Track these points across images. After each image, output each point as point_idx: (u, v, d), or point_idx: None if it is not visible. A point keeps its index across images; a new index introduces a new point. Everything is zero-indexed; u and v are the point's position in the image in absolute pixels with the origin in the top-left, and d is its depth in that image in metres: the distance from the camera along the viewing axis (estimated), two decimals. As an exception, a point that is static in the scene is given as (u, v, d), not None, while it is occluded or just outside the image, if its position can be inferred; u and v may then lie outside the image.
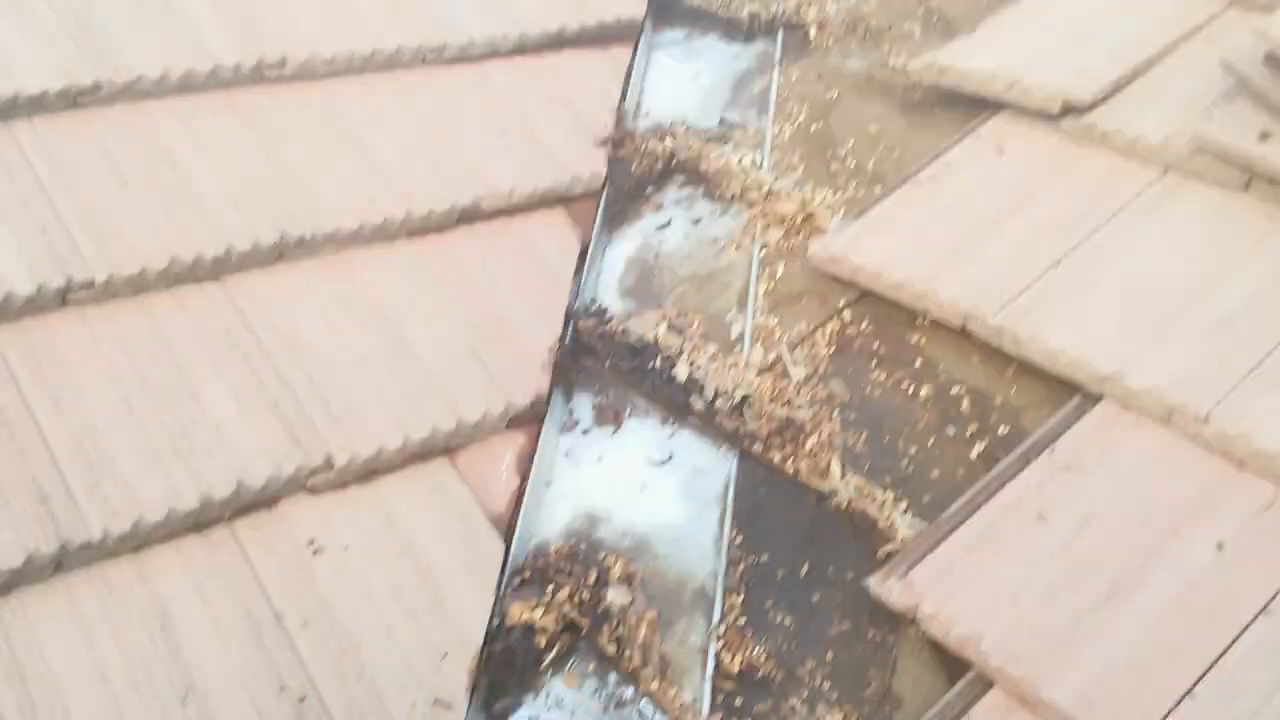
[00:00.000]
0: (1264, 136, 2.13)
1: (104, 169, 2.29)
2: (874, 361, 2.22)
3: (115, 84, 2.42)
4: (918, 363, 2.19)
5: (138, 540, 1.84)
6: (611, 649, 1.86)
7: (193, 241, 2.22)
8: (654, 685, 1.81)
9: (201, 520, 1.90)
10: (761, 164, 2.73)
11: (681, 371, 2.26)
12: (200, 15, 2.62)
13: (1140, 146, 2.31)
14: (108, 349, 2.06)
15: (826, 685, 1.78)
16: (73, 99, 2.38)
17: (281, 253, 2.30)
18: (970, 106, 2.61)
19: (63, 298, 2.10)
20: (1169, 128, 2.30)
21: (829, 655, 1.82)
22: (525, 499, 2.08)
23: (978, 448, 2.02)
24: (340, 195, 2.41)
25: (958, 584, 1.75)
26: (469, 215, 2.52)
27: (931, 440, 2.05)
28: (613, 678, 1.84)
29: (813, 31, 3.06)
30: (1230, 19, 2.55)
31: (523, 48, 2.93)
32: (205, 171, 2.36)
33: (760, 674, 1.80)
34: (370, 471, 2.05)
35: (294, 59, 2.61)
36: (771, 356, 2.27)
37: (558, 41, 2.99)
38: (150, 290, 2.18)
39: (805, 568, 1.92)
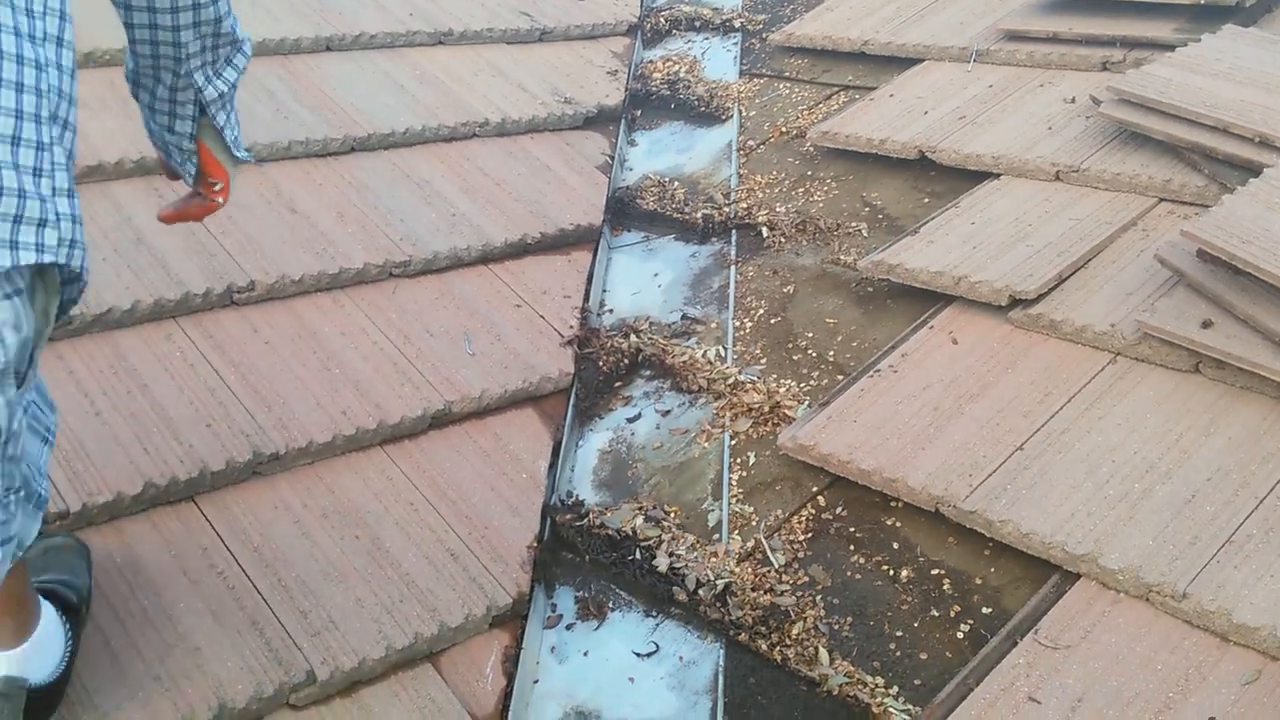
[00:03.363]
0: (1206, 324, 2.25)
1: (75, 398, 2.31)
2: (852, 545, 2.25)
3: (86, 316, 2.46)
4: (895, 545, 2.22)
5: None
6: None
7: (166, 465, 2.23)
8: None
9: (183, 744, 1.85)
10: (725, 357, 2.82)
11: (662, 562, 2.27)
12: (169, 247, 2.69)
13: (1088, 334, 2.43)
14: (83, 576, 2.03)
15: None
16: (44, 332, 2.42)
17: (255, 469, 2.30)
18: (920, 298, 2.74)
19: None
20: (1114, 316, 2.42)
21: None
22: (513, 700, 2.05)
23: (963, 629, 2.03)
24: (312, 410, 2.43)
25: (958, 770, 1.74)
26: (441, 420, 2.55)
27: (916, 623, 2.07)
28: None
29: (765, 231, 3.21)
30: (1161, 212, 2.72)
31: (486, 258, 3.04)
32: (176, 395, 2.38)
33: None
34: (353, 683, 2.01)
35: (262, 282, 2.68)
36: (750, 544, 2.30)
37: (520, 250, 3.10)
38: (125, 516, 2.16)
39: (803, 760, 1.90)
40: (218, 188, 1.81)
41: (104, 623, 1.96)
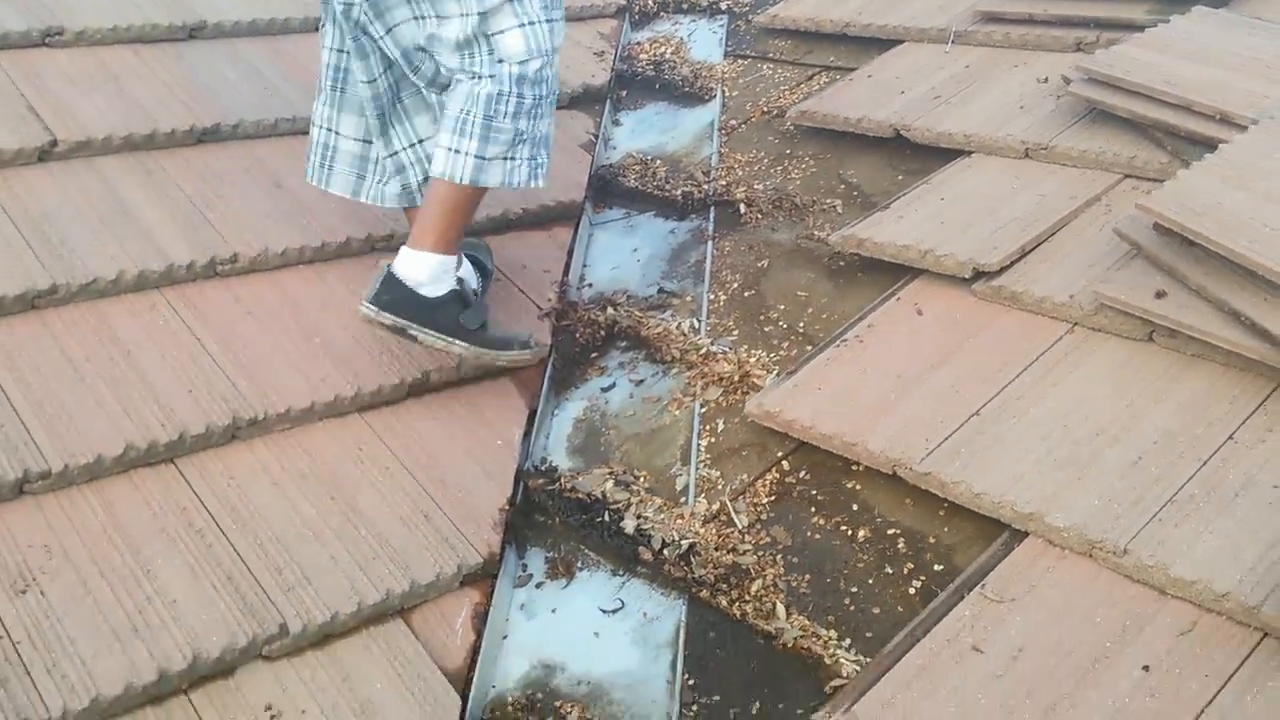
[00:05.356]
0: (1159, 295, 2.31)
1: (59, 364, 2.38)
2: (813, 507, 2.31)
3: (72, 286, 2.53)
4: (854, 506, 2.29)
5: (98, 713, 1.86)
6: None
7: (147, 428, 2.29)
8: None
9: (159, 693, 1.92)
10: (699, 328, 2.89)
11: (629, 524, 2.34)
12: (155, 220, 2.76)
13: (1047, 305, 2.49)
14: (64, 535, 2.11)
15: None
16: (30, 302, 2.49)
17: (234, 434, 2.37)
18: (889, 271, 2.80)
19: (19, 488, 2.15)
20: (1073, 288, 2.48)
21: (783, 796, 1.85)
22: (481, 653, 2.12)
23: (915, 585, 2.10)
24: (292, 377, 2.50)
25: (900, 717, 1.81)
26: (419, 389, 2.62)
27: (871, 579, 2.14)
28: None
29: (742, 208, 3.27)
30: (1125, 188, 2.77)
31: (470, 231, 3.09)
32: (159, 361, 2.45)
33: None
34: (325, 636, 2.08)
35: (245, 254, 2.75)
36: (715, 506, 2.37)
37: (501, 225, 3.16)
38: (105, 476, 2.23)
39: (756, 706, 1.97)
40: None
41: (86, 575, 2.04)
